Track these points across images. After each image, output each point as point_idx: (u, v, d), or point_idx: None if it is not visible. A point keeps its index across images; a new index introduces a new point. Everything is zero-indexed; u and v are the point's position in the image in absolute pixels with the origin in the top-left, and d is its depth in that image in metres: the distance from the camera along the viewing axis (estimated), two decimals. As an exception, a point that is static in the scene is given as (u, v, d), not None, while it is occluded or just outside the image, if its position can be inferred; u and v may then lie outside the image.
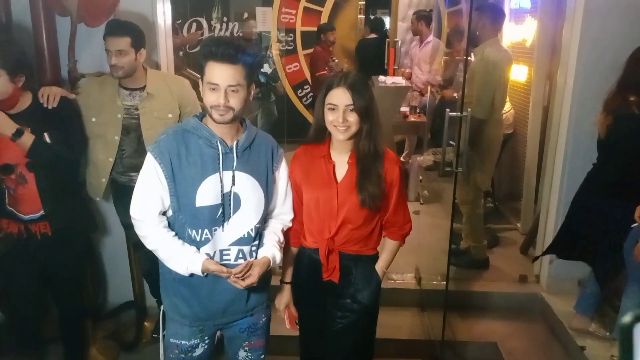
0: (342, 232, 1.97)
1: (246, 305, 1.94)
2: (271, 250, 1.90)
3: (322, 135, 1.98)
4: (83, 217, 2.75)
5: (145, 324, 3.22)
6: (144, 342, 3.12)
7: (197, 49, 6.17)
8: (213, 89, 1.73)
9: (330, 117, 1.87)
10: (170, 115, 2.67)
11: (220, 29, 6.51)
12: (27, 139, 2.31)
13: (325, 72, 5.92)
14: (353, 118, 1.85)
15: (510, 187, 4.93)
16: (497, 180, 4.67)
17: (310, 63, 6.18)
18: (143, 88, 2.66)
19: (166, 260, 1.84)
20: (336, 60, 5.87)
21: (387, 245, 2.11)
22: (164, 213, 1.85)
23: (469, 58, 3.39)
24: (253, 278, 1.81)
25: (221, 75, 1.71)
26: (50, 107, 2.42)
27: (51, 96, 2.44)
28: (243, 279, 1.80)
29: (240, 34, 5.26)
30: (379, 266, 2.08)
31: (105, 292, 3.41)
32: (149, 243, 1.85)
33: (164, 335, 2.02)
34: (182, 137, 1.81)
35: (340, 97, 1.85)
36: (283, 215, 2.03)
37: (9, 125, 2.29)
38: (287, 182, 2.00)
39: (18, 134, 2.29)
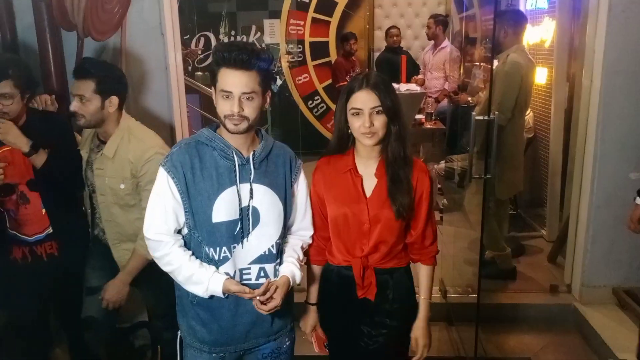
0: (378, 251, 1.81)
1: (270, 328, 1.81)
2: (290, 268, 1.77)
3: (345, 144, 1.84)
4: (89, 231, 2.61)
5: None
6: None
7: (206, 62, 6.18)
8: (226, 97, 1.62)
9: (356, 124, 1.73)
10: (122, 186, 2.21)
11: (229, 43, 6.47)
12: (42, 154, 2.21)
13: (347, 83, 5.70)
14: (380, 121, 1.71)
15: (532, 192, 4.76)
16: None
17: (332, 73, 6.01)
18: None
19: (184, 282, 1.71)
20: (358, 71, 5.72)
21: (423, 272, 1.91)
22: (179, 231, 1.74)
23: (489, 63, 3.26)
24: (276, 301, 1.67)
25: (234, 82, 1.60)
26: (43, 108, 2.40)
27: (43, 100, 2.41)
28: (265, 303, 1.66)
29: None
30: (423, 298, 1.90)
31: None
32: (165, 264, 1.73)
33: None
34: (195, 149, 1.70)
35: (364, 100, 1.71)
36: (302, 231, 1.89)
37: (24, 140, 2.18)
38: (306, 196, 1.86)
39: (35, 148, 2.19)
